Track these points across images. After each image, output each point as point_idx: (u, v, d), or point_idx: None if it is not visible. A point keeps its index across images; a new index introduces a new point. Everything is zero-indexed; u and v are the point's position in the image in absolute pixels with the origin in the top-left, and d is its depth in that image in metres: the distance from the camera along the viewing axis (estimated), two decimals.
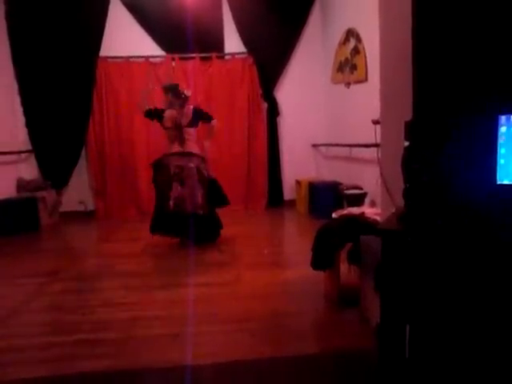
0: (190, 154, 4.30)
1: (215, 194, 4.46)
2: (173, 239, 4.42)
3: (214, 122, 4.54)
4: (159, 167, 4.34)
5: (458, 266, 1.35)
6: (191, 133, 4.37)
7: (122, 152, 6.25)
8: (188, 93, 4.43)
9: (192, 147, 4.34)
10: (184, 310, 2.77)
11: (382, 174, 2.23)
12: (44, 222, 5.62)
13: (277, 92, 6.49)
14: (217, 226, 4.50)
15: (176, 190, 4.23)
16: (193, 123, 4.37)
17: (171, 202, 4.22)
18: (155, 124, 4.61)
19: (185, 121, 4.31)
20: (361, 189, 4.74)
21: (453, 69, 1.66)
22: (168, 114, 4.35)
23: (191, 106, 4.41)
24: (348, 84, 5.40)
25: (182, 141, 4.29)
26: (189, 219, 4.22)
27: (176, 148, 4.30)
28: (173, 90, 4.37)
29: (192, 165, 4.28)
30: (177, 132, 4.29)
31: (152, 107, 4.48)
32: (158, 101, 4.59)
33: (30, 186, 5.85)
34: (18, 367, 2.14)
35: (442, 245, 1.38)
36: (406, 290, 1.43)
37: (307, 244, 3.01)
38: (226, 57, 6.35)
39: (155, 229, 4.37)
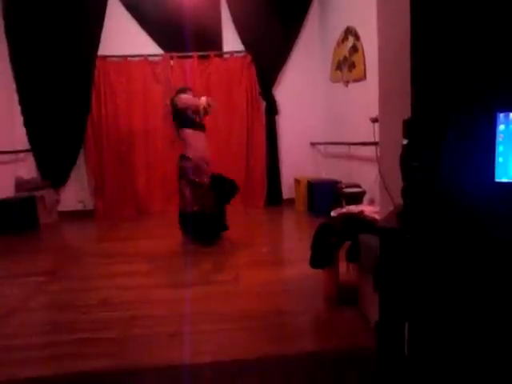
0: (181, 156, 4.41)
1: (220, 191, 4.43)
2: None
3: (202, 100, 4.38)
4: None
5: (456, 263, 1.35)
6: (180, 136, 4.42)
7: (121, 151, 6.25)
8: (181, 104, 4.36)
9: (182, 149, 4.42)
10: (183, 308, 2.77)
11: (380, 172, 2.23)
12: (43, 221, 5.62)
13: (275, 90, 6.49)
14: (218, 227, 4.47)
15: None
16: (176, 125, 4.40)
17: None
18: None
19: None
20: (359, 187, 4.74)
21: (451, 67, 1.66)
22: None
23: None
24: (346, 82, 5.40)
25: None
26: (188, 217, 4.30)
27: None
28: (172, 98, 4.39)
29: (182, 164, 4.37)
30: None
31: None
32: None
33: (29, 185, 5.84)
34: (17, 367, 2.14)
35: (440, 242, 1.38)
36: (405, 288, 1.43)
37: (306, 242, 3.01)
38: (225, 55, 6.34)
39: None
